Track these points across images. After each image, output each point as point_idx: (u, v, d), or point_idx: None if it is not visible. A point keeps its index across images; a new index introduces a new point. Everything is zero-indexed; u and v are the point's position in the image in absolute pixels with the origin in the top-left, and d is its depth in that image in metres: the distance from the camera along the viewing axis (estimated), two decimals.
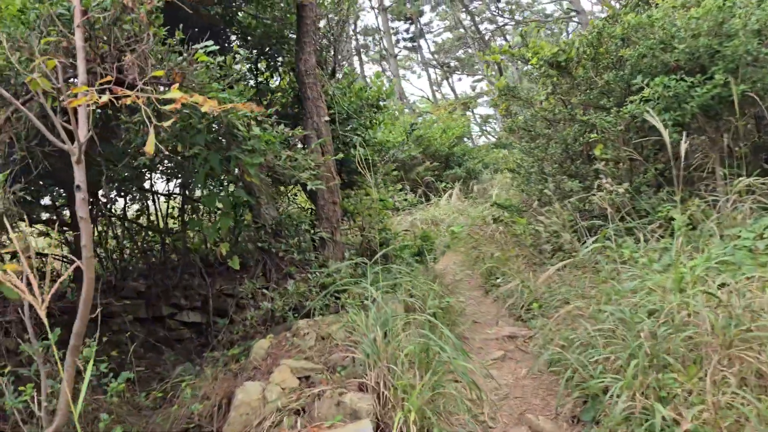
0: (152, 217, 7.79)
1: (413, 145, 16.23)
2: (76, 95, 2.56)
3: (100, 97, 2.55)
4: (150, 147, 2.50)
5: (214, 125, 4.67)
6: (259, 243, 6.12)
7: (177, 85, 2.65)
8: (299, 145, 6.82)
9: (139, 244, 7.89)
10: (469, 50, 41.70)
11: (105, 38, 3.39)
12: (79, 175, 2.72)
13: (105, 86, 2.61)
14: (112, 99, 2.57)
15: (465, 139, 23.79)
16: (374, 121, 8.04)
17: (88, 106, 2.92)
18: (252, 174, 4.96)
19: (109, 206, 7.35)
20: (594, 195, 6.42)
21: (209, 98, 2.79)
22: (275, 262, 6.18)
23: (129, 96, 2.53)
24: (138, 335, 7.75)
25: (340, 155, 6.96)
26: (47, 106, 2.70)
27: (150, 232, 7.96)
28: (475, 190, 15.25)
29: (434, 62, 43.84)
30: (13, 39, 3.39)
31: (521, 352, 5.71)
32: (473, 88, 45.62)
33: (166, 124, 2.52)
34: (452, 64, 45.10)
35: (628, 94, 7.03)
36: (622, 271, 5.26)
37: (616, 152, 7.12)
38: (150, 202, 7.81)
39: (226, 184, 5.96)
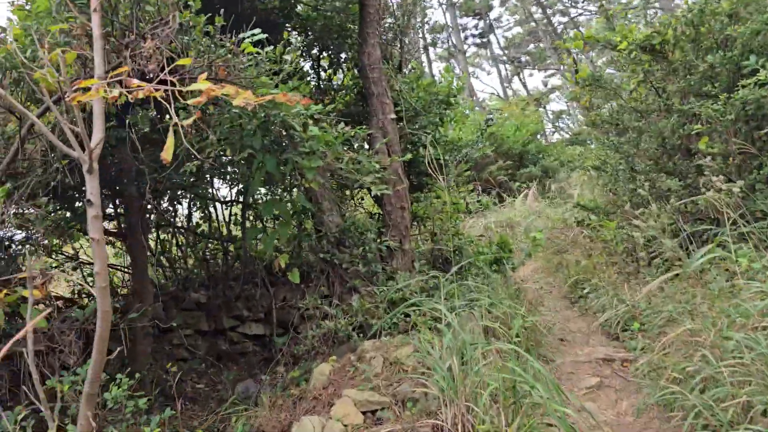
0: (214, 225, 7.44)
1: (487, 143, 15.45)
2: (82, 90, 2.08)
3: (110, 92, 2.06)
4: (167, 153, 1.98)
5: (270, 126, 4.18)
6: (321, 254, 5.61)
7: (204, 75, 2.13)
8: (365, 146, 6.29)
9: (201, 253, 7.56)
10: (541, 44, 40.26)
11: (128, 24, 2.94)
12: (91, 187, 2.24)
13: (118, 78, 2.12)
14: (134, 95, 2.08)
15: (538, 136, 22.75)
16: (445, 118, 7.40)
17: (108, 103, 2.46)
18: (310, 179, 4.44)
19: (170, 214, 7.03)
20: (700, 195, 5.57)
21: (255, 94, 2.27)
22: (339, 275, 5.65)
23: (143, 89, 2.02)
24: (197, 350, 7.42)
25: (409, 156, 6.36)
26: (56, 111, 2.23)
27: (213, 241, 7.62)
28: (552, 189, 14.32)
29: (504, 58, 42.65)
30: (39, 33, 3.01)
31: (620, 379, 4.94)
32: (545, 84, 44.09)
33: (187, 122, 2.00)
34: (523, 60, 43.72)
35: (738, 78, 6.10)
36: (740, 285, 4.44)
37: (724, 145, 6.20)
38: (211, 209, 7.47)
39: (286, 189, 5.48)
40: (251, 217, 6.88)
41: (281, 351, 6.23)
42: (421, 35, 37.76)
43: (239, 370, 7.57)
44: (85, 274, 7.43)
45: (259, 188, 5.04)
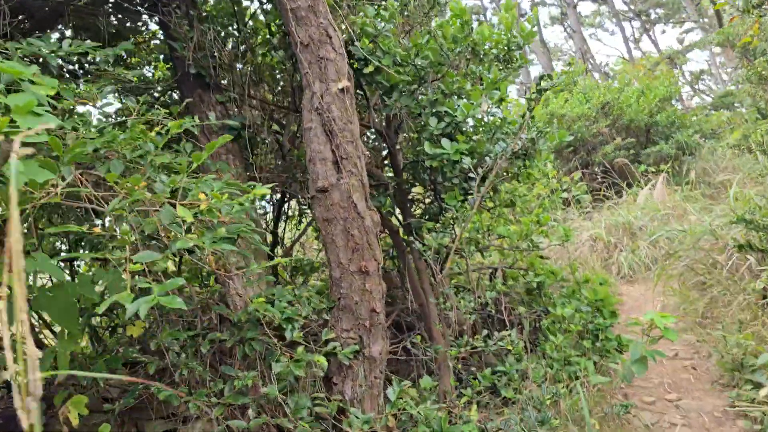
0: None
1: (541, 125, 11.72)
2: None
3: None
4: None
5: None
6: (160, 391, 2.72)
7: None
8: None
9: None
10: None
11: None
12: None
13: None
14: None
15: (674, 101, 18.16)
16: (482, 82, 4.17)
17: None
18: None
19: None
20: None
21: None
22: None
23: None
24: None
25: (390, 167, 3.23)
26: None
27: None
28: (691, 176, 10.31)
29: (630, 13, 37.01)
30: None
31: None
32: (681, 41, 37.65)
33: None
34: (653, 15, 37.66)
35: None
36: None
37: None
38: None
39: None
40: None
41: None
42: None
43: None
44: None
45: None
